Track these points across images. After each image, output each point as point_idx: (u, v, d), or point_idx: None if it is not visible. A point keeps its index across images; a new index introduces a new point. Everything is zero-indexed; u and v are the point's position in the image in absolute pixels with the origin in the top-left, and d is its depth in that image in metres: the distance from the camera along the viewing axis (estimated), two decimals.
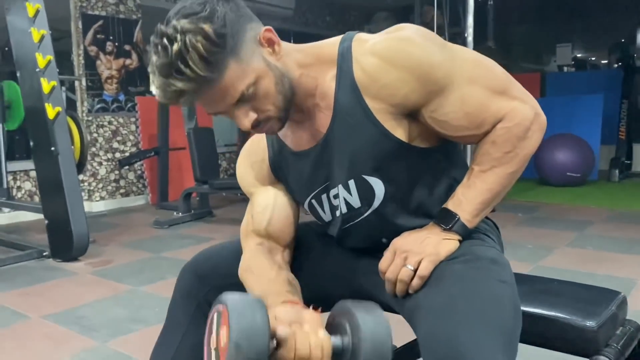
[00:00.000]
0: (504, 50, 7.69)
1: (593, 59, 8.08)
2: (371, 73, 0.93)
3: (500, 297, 0.88)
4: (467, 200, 0.96)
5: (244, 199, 5.53)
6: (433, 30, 5.38)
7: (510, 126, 0.94)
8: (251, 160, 1.15)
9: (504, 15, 4.77)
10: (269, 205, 1.12)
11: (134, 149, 5.43)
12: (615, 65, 6.78)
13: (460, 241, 0.96)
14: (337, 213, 1.06)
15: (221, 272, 1.14)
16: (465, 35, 4.27)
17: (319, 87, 0.98)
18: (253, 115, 0.93)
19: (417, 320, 0.90)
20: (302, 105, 0.99)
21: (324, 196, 1.07)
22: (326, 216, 1.09)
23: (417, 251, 0.94)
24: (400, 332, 1.07)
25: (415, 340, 1.24)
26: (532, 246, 3.43)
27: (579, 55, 7.94)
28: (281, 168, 1.11)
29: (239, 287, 1.09)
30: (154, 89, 0.88)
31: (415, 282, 0.92)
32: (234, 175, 6.00)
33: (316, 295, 1.09)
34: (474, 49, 4.19)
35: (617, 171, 6.25)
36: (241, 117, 0.92)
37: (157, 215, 4.67)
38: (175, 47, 0.82)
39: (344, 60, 0.96)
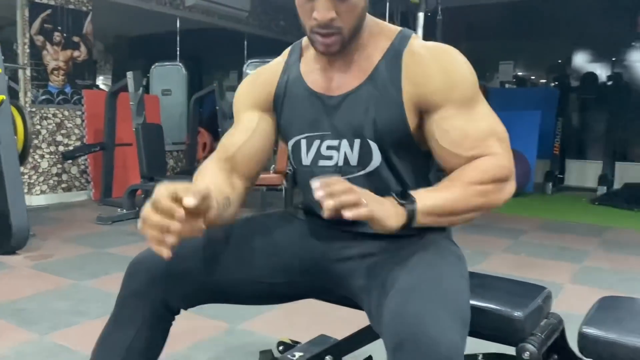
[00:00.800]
0: None
1: (532, 77, 8.49)
2: (418, 59, 1.05)
3: (462, 290, 0.98)
4: (428, 197, 1.00)
5: None
6: None
7: (496, 164, 1.02)
8: (259, 80, 1.21)
9: (452, 31, 4.97)
10: (249, 129, 1.17)
11: (78, 143, 5.29)
12: (553, 85, 7.16)
13: (404, 226, 0.97)
14: (323, 162, 1.13)
15: (177, 274, 1.11)
16: None
17: (368, 50, 1.08)
18: (333, 14, 0.99)
19: (385, 299, 0.93)
20: (348, 52, 1.07)
21: (317, 141, 1.13)
22: (306, 160, 1.15)
23: (369, 198, 0.93)
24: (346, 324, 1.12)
25: (363, 329, 1.32)
26: (470, 251, 3.59)
27: (519, 73, 8.33)
28: (287, 97, 1.16)
29: (197, 292, 1.12)
30: None
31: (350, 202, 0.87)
32: (181, 173, 5.97)
33: (285, 282, 1.17)
34: None
35: (550, 184, 6.61)
36: (324, 8, 0.99)
37: (100, 211, 4.58)
38: None
39: (400, 42, 1.08)
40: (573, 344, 1.30)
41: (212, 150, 7.13)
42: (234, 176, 1.15)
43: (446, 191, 1.01)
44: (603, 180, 6.46)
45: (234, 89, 2.23)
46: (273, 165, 4.38)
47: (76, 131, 5.31)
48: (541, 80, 8.36)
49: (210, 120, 6.78)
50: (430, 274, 0.96)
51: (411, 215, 0.97)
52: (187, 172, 5.27)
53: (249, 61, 6.72)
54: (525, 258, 3.52)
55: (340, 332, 1.75)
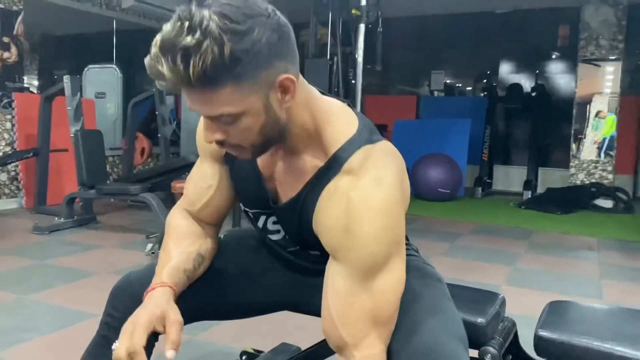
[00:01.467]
0: (387, 73, 8.25)
1: (460, 85, 8.91)
2: (326, 208, 0.93)
3: (454, 312, 1.04)
4: None
5: (131, 206, 5.37)
6: (326, 48, 5.57)
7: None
8: None
9: (387, 40, 5.17)
10: (212, 186, 1.12)
11: (8, 149, 5.05)
12: (482, 94, 7.56)
13: None
14: (272, 236, 1.14)
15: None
16: (356, 56, 4.59)
17: (305, 158, 0.97)
18: (219, 137, 0.88)
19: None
20: (286, 149, 0.99)
21: (263, 217, 1.11)
22: (257, 225, 1.14)
23: None
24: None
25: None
26: None
27: (449, 81, 8.72)
28: (235, 163, 1.09)
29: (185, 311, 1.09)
30: (150, 55, 0.81)
31: None
32: (119, 180, 5.81)
33: (254, 301, 1.22)
34: (363, 69, 4.54)
35: (480, 189, 6.98)
36: (207, 130, 0.88)
37: (35, 220, 4.40)
38: (189, 39, 0.76)
39: (330, 168, 0.93)
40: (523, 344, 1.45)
41: (150, 155, 6.84)
42: (203, 224, 1.17)
43: None
44: (528, 185, 6.89)
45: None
46: None
47: (6, 136, 5.06)
48: (468, 89, 8.80)
49: (147, 124, 6.64)
50: (420, 305, 0.99)
51: None
52: (126, 179, 5.14)
53: None
54: (463, 261, 3.73)
55: (299, 340, 1.82)
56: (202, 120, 0.95)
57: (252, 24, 0.79)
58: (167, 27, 0.79)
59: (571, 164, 6.70)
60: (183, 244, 1.11)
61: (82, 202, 4.52)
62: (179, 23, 0.78)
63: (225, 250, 1.22)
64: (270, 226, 1.11)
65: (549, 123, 7.29)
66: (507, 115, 7.78)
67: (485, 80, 8.15)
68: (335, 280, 0.91)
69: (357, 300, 0.89)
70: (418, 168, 6.34)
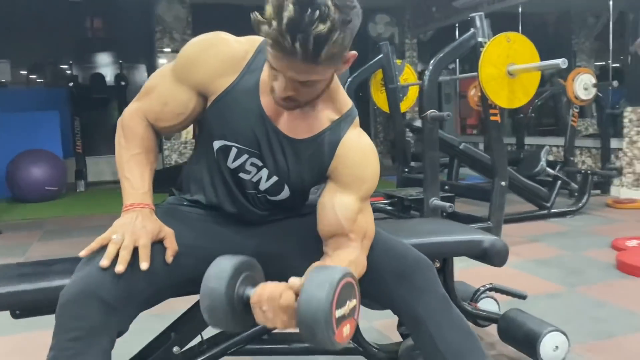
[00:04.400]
0: None
1: (35, 76, 8.29)
2: (352, 147, 1.20)
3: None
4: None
5: None
6: None
7: (364, 264, 1.20)
8: (218, 60, 1.17)
9: None
10: (182, 114, 1.22)
11: None
12: (70, 85, 7.21)
13: None
14: (242, 175, 1.23)
15: (122, 286, 1.04)
16: None
17: (319, 111, 1.20)
18: (290, 93, 1.06)
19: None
20: (312, 104, 1.17)
21: (245, 156, 1.20)
22: (231, 165, 1.22)
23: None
24: None
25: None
26: None
27: (22, 72, 7.98)
28: (232, 100, 1.17)
29: (140, 305, 1.11)
30: (271, 22, 0.95)
31: None
32: None
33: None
34: None
35: (82, 182, 6.81)
36: (282, 87, 1.06)
37: None
38: (322, 28, 0.94)
39: (346, 121, 1.21)
40: None
41: None
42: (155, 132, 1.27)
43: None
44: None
45: None
46: None
47: None
48: (41, 80, 8.27)
49: None
50: (385, 236, 1.31)
51: None
52: None
53: None
54: None
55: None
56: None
57: (352, 14, 0.99)
58: (289, 8, 0.93)
59: (164, 147, 7.28)
60: (150, 160, 1.23)
61: None
62: (305, 8, 0.93)
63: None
64: (247, 166, 1.22)
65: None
66: (94, 105, 7.70)
67: (67, 71, 7.82)
68: (347, 202, 1.19)
69: (360, 217, 1.20)
70: (16, 168, 5.72)
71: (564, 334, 1.68)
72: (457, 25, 7.35)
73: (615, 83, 4.85)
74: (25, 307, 1.33)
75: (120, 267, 1.05)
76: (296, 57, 0.97)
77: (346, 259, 1.15)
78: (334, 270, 0.99)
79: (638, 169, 4.94)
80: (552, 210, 4.19)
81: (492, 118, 3.26)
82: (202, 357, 1.52)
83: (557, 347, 1.66)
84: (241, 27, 1.35)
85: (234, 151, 1.21)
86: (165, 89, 1.22)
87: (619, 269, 2.85)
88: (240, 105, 1.18)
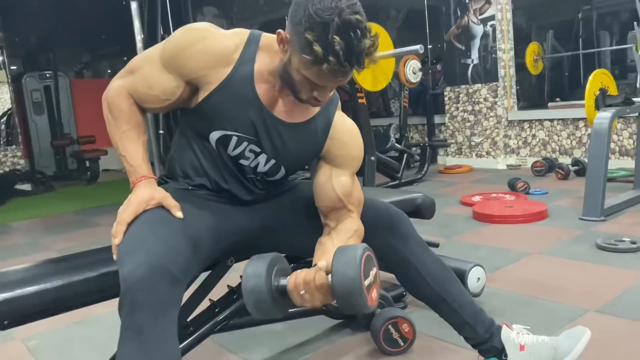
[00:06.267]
0: None
1: None
2: (343, 128, 1.38)
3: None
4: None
5: None
6: None
7: (362, 233, 1.38)
8: (210, 52, 1.22)
9: None
10: (165, 100, 1.28)
11: None
12: None
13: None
14: (242, 162, 1.33)
15: (182, 260, 1.10)
16: None
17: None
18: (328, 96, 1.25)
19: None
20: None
21: (245, 143, 1.30)
22: (232, 152, 1.32)
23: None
24: None
25: None
26: None
27: None
28: (229, 90, 1.25)
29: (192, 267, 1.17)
30: (328, 58, 1.09)
31: None
32: None
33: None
34: None
35: None
36: (325, 94, 1.23)
37: None
38: (368, 42, 1.12)
39: (333, 103, 1.38)
40: None
41: None
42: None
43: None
44: None
45: None
46: None
47: None
48: None
49: None
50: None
51: None
52: None
53: None
54: None
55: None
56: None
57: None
58: (337, 40, 1.08)
59: None
60: (140, 133, 1.29)
61: None
62: (348, 32, 1.09)
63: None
64: (247, 153, 1.32)
65: None
66: None
67: None
68: (343, 180, 1.37)
69: (354, 190, 1.39)
70: None
71: (482, 267, 2.07)
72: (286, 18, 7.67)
73: (439, 66, 5.61)
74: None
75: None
76: (349, 73, 1.16)
77: (351, 229, 1.36)
78: (355, 249, 1.17)
79: (459, 139, 5.80)
80: (402, 180, 4.76)
81: (360, 101, 3.62)
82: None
83: (479, 278, 2.04)
84: None
85: (234, 140, 1.30)
86: (151, 73, 1.27)
87: (475, 218, 3.43)
88: (238, 96, 1.26)
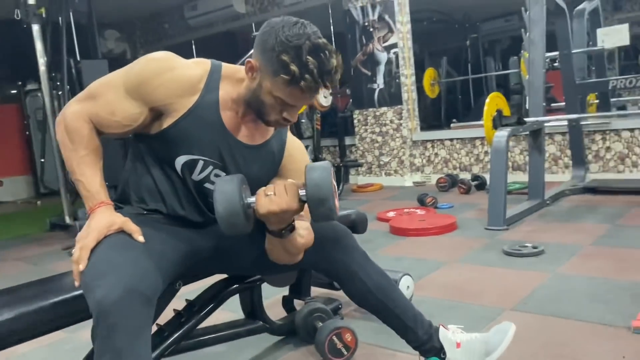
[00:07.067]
0: None
1: None
2: (294, 144, 1.52)
3: None
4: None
5: None
6: None
7: None
8: (177, 82, 1.27)
9: None
10: (127, 126, 1.32)
11: None
12: None
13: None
14: (207, 185, 1.38)
15: (151, 281, 1.12)
16: None
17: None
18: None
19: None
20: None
21: (210, 167, 1.36)
22: (196, 177, 1.38)
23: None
24: None
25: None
26: None
27: None
28: (195, 117, 1.31)
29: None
30: (304, 76, 1.20)
31: None
32: None
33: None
34: None
35: None
36: (296, 114, 1.32)
37: None
38: (334, 62, 1.24)
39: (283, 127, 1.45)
40: None
41: None
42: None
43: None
44: None
45: None
46: None
47: None
48: None
49: None
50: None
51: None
52: None
53: None
54: None
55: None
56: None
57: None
58: (310, 60, 1.20)
59: None
60: (98, 158, 1.32)
61: None
62: (318, 53, 1.22)
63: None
64: (212, 177, 1.38)
65: None
66: None
67: None
68: (297, 171, 1.46)
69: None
70: None
71: (410, 275, 2.22)
72: (193, 41, 7.68)
73: (348, 91, 5.86)
74: None
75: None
76: (320, 90, 1.28)
77: (305, 224, 1.45)
78: (325, 162, 1.28)
79: (369, 159, 6.07)
80: None
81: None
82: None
83: (408, 286, 2.19)
84: None
85: (200, 164, 1.37)
86: (114, 99, 1.31)
87: (392, 232, 3.63)
88: (205, 122, 1.34)
